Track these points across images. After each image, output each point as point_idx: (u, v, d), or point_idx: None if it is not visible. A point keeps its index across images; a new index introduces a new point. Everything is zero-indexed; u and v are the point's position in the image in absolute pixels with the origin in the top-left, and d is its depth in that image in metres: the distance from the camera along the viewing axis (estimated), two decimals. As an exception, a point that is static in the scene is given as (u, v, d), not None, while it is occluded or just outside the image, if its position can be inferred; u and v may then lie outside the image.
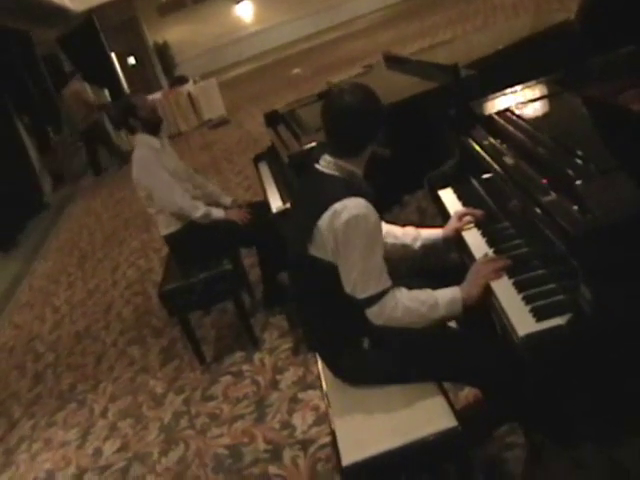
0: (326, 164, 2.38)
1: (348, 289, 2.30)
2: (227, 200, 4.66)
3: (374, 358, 2.41)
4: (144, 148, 4.16)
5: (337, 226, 2.23)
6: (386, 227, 2.74)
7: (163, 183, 4.11)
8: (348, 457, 2.21)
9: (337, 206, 2.23)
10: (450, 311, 2.32)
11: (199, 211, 4.20)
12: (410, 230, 2.78)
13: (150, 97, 4.18)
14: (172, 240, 4.37)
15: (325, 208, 2.26)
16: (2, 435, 4.55)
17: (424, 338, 2.36)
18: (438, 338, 2.39)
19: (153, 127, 4.26)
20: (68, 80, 13.24)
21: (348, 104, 2.30)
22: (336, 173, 2.36)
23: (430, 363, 2.38)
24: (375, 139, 2.36)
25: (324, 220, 2.26)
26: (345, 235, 2.24)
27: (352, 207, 2.23)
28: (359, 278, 2.27)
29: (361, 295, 2.28)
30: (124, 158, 12.32)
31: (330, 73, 12.44)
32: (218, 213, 4.29)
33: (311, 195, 2.42)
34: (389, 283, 2.30)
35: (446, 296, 2.31)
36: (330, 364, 2.55)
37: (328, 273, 2.33)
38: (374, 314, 2.29)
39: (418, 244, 2.75)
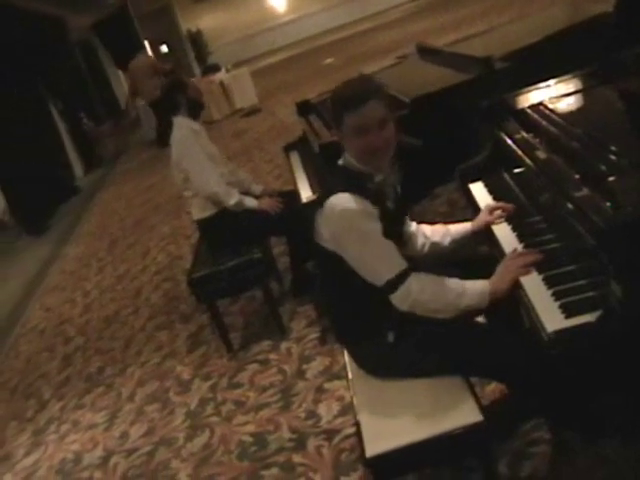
0: (342, 158, 2.44)
1: (368, 279, 2.32)
2: (258, 188, 4.68)
3: (399, 352, 2.40)
4: (185, 130, 4.18)
5: (331, 220, 2.30)
6: (416, 226, 2.75)
7: (201, 166, 4.13)
8: (372, 448, 2.21)
9: (332, 200, 2.29)
10: (476, 303, 2.30)
11: (233, 198, 4.21)
12: (439, 227, 2.78)
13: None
14: (204, 225, 4.40)
15: (323, 201, 2.32)
16: (32, 415, 4.62)
17: (450, 332, 2.34)
18: (465, 333, 2.37)
19: (197, 110, 4.31)
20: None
21: None
22: (346, 166, 2.40)
23: (456, 358, 2.37)
24: (337, 127, 2.36)
25: (322, 214, 2.33)
26: (339, 228, 2.30)
27: (342, 201, 2.27)
28: (369, 267, 2.30)
29: (379, 282, 2.29)
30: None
31: (363, 63, 12.39)
32: (251, 202, 4.30)
33: (321, 187, 2.48)
34: (405, 265, 2.29)
35: (474, 287, 2.30)
36: (355, 355, 2.56)
37: (335, 261, 2.36)
38: (399, 298, 2.28)
39: (448, 240, 2.74)
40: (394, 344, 2.39)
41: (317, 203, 2.39)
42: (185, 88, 4.26)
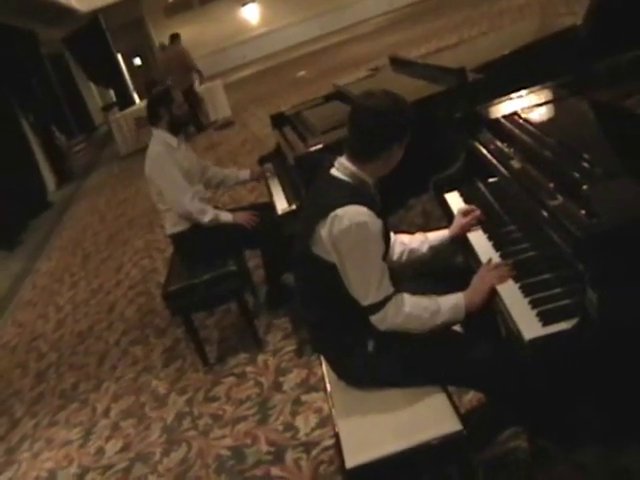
0: (339, 167, 2.38)
1: (353, 295, 2.32)
2: (245, 174, 4.81)
3: (378, 361, 2.41)
4: (160, 145, 4.15)
5: (336, 232, 2.25)
6: (394, 235, 2.74)
7: (174, 184, 4.11)
8: (352, 459, 2.20)
9: (338, 212, 2.25)
10: (453, 317, 2.34)
11: (207, 216, 4.19)
12: (417, 235, 2.78)
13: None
14: (178, 239, 4.37)
15: (327, 212, 2.27)
16: (4, 434, 4.55)
17: (429, 342, 2.36)
18: (442, 342, 2.39)
19: (177, 127, 4.29)
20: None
21: (370, 106, 2.32)
22: (346, 178, 2.36)
23: (434, 367, 2.38)
24: (389, 148, 2.32)
25: (325, 224, 2.28)
26: (344, 242, 2.26)
27: (353, 215, 2.23)
28: (359, 286, 2.30)
29: (364, 302, 2.31)
30: (202, 127, 13.65)
31: (336, 75, 12.43)
32: (226, 217, 4.27)
33: (318, 197, 2.42)
34: (390, 290, 2.31)
35: (449, 302, 2.33)
36: (334, 366, 2.55)
37: (330, 272, 2.35)
38: (377, 321, 2.32)
39: (426, 247, 2.74)
40: (375, 354, 2.40)
41: (316, 214, 2.33)
42: (170, 103, 4.23)
